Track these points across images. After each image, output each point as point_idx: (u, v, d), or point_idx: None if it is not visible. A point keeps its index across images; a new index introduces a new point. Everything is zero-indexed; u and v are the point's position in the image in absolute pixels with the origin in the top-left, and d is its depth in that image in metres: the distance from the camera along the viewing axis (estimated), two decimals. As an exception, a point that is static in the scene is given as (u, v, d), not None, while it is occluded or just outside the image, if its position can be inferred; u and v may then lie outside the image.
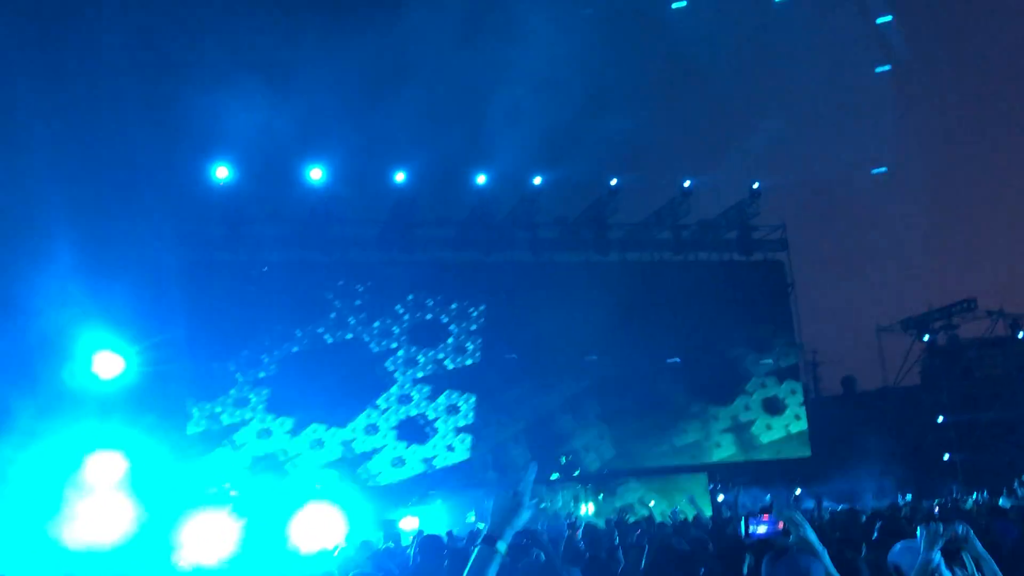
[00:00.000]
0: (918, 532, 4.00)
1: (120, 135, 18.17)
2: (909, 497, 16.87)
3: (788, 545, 3.29)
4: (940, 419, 24.32)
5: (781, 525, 3.24)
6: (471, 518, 17.68)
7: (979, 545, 3.89)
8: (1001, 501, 12.68)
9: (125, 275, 16.87)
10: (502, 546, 2.41)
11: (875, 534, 6.91)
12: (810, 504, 16.84)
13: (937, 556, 3.75)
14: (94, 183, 18.13)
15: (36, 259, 14.54)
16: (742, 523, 3.51)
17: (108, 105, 18.06)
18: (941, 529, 3.89)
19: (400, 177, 21.11)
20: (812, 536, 3.18)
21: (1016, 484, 14.18)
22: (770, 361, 23.94)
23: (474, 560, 2.40)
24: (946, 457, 23.87)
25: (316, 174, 20.43)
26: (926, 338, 24.92)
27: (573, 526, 9.02)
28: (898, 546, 3.92)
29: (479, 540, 2.43)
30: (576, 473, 18.33)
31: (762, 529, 3.40)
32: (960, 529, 3.92)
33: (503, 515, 2.47)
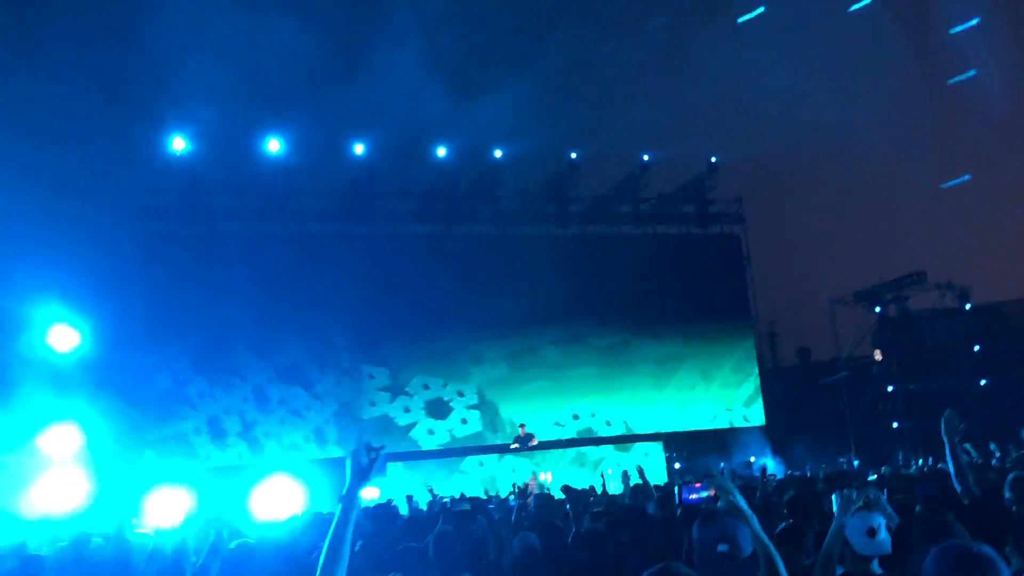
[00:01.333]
0: (832, 499, 4.24)
1: (73, 106, 17.91)
2: (856, 463, 17.38)
3: (717, 509, 3.45)
4: (890, 388, 24.94)
5: (713, 492, 3.40)
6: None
7: (889, 507, 4.14)
8: (941, 465, 13.11)
9: (80, 248, 16.74)
10: (359, 503, 2.67)
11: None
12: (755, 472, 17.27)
13: (847, 521, 4.00)
14: (47, 155, 17.87)
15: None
16: (676, 490, 3.69)
17: (59, 75, 17.78)
18: (855, 495, 4.14)
19: (359, 149, 21.06)
20: (742, 502, 3.34)
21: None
22: (726, 332, 24.36)
23: (337, 519, 2.60)
24: (895, 425, 24.52)
25: (274, 145, 20.32)
26: (878, 310, 25.47)
27: (524, 493, 9.23)
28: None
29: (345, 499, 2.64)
30: (534, 443, 18.58)
31: (695, 496, 3.57)
32: (871, 494, 4.18)
33: (357, 474, 2.73)
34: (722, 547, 3.21)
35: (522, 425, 19.07)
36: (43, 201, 16.89)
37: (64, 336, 14.67)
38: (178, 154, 19.72)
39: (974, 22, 24.86)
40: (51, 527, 9.77)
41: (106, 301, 16.34)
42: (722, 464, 20.58)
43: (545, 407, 22.09)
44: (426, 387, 21.27)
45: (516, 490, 9.67)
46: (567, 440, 20.08)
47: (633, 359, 23.41)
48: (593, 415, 22.55)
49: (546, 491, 12.54)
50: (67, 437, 13.55)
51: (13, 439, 13.25)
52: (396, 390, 20.94)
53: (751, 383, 24.32)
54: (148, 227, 20.07)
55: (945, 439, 5.17)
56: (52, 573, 6.45)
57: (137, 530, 8.35)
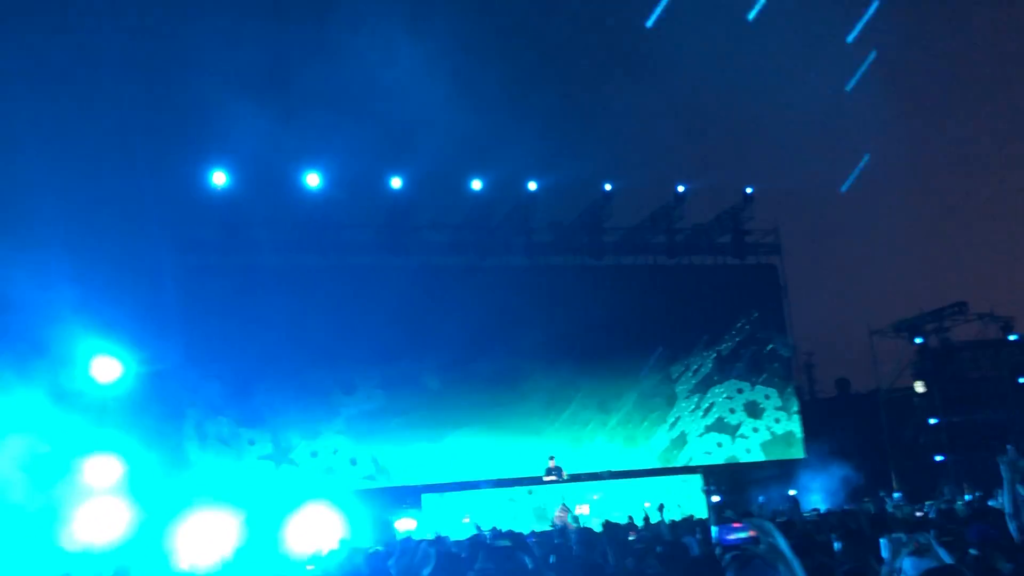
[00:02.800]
0: (881, 543, 4.14)
1: (117, 140, 18.34)
2: (897, 496, 17.00)
3: (755, 554, 3.37)
4: (932, 421, 24.44)
5: (753, 533, 3.31)
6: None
7: (942, 552, 4.03)
8: (991, 502, 12.77)
9: (122, 279, 17.04)
10: None
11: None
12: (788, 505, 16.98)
13: (899, 565, 3.91)
14: (92, 188, 18.28)
15: (34, 264, 14.66)
16: (713, 530, 3.60)
17: (105, 110, 18.22)
18: (904, 539, 4.04)
19: (396, 183, 21.30)
20: (783, 544, 3.25)
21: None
22: (765, 363, 24.12)
23: None
24: (938, 458, 23.99)
25: (313, 179, 20.62)
26: (918, 340, 25.03)
27: (564, 532, 9.14)
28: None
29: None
30: (558, 478, 18.48)
31: (733, 537, 3.47)
32: (921, 539, 4.06)
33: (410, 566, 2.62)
34: None
35: (551, 457, 18.99)
36: (86, 233, 17.25)
37: (106, 367, 14.88)
38: (219, 188, 20.07)
39: None
40: (93, 559, 9.87)
41: (147, 332, 16.57)
42: (760, 498, 20.27)
43: (582, 436, 21.99)
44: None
45: (555, 527, 9.60)
46: (599, 473, 19.88)
47: (670, 391, 23.25)
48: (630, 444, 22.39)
49: (579, 525, 12.42)
50: (108, 468, 13.71)
51: (56, 470, 13.43)
52: (429, 423, 20.95)
53: (789, 415, 23.99)
54: (188, 260, 20.40)
55: (1005, 477, 5.00)
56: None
57: (177, 566, 8.43)
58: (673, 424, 23.22)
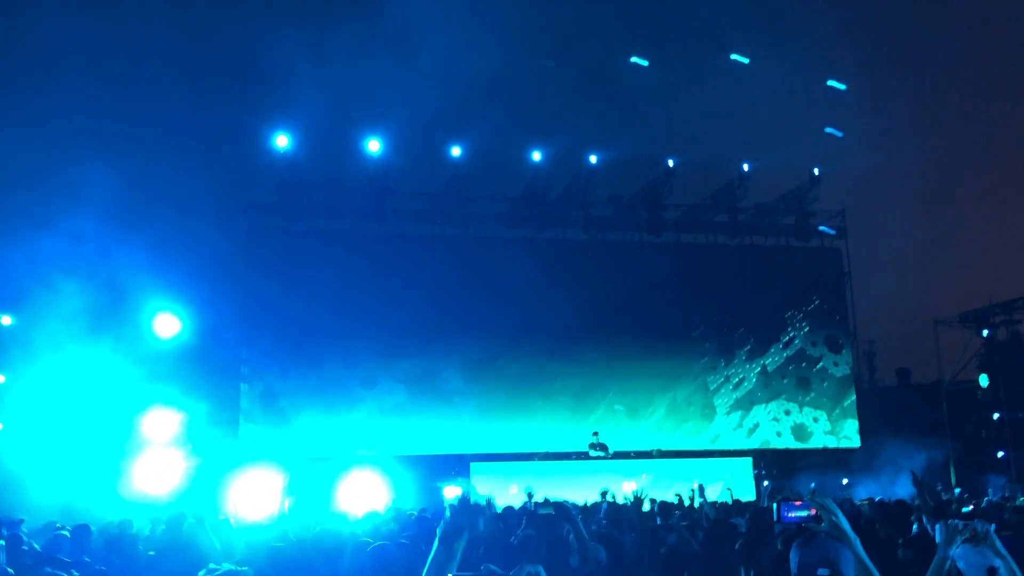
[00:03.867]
0: (936, 529, 3.99)
1: (183, 101, 18.63)
2: (957, 491, 16.56)
3: (818, 531, 3.30)
4: (996, 416, 23.75)
5: (814, 511, 3.24)
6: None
7: (999, 544, 3.87)
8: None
9: (184, 239, 17.37)
10: (458, 548, 2.50)
11: (915, 527, 6.85)
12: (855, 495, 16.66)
13: (952, 552, 3.75)
14: (159, 149, 18.64)
15: (99, 224, 15.01)
16: (775, 508, 3.53)
17: (172, 71, 18.49)
18: (960, 526, 3.88)
19: (456, 152, 21.29)
20: (845, 523, 3.18)
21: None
22: (823, 349, 23.66)
23: (432, 558, 2.50)
24: (1000, 454, 23.33)
25: (374, 146, 20.72)
26: (985, 332, 24.27)
27: (597, 507, 9.10)
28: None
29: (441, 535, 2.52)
30: (599, 454, 18.42)
31: (794, 514, 3.42)
32: (979, 527, 3.89)
33: (460, 523, 2.56)
34: (823, 571, 3.06)
35: (595, 432, 18.94)
36: (152, 194, 17.61)
37: (166, 323, 15.23)
38: (281, 151, 20.30)
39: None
40: (149, 508, 10.14)
41: (205, 291, 16.90)
42: (812, 484, 19.94)
43: (636, 418, 21.89)
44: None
45: (604, 499, 9.54)
46: (647, 452, 19.79)
47: (725, 374, 22.98)
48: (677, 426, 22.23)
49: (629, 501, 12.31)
50: (166, 421, 14.06)
51: (117, 421, 13.82)
52: (466, 392, 21.04)
53: (847, 402, 23.53)
54: (250, 222, 20.75)
55: None
56: (146, 550, 6.68)
57: (228, 519, 8.59)
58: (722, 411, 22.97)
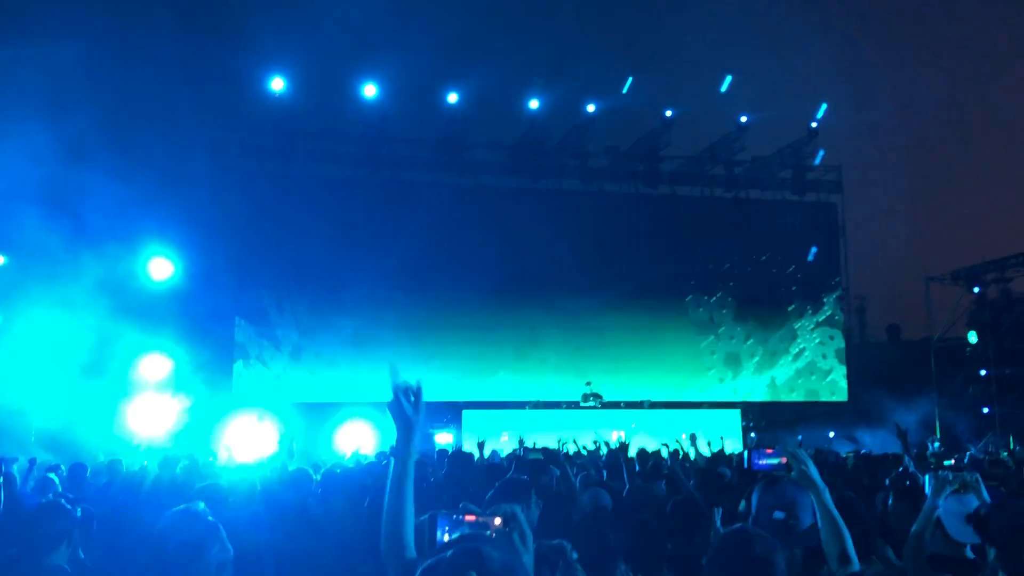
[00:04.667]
0: (926, 480, 4.08)
1: (179, 45, 18.36)
2: (936, 445, 16.79)
3: (780, 476, 3.36)
4: (983, 372, 23.96)
5: (784, 460, 3.30)
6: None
7: (985, 492, 3.95)
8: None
9: (178, 180, 17.27)
10: (408, 456, 2.50)
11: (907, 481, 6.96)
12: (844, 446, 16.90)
13: (943, 504, 3.84)
14: (154, 94, 18.41)
15: (92, 164, 14.89)
16: (746, 455, 3.60)
17: (168, 14, 18.20)
18: (950, 476, 3.97)
19: (453, 98, 21.06)
20: (814, 472, 3.23)
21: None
22: (814, 303, 23.79)
23: (391, 474, 2.49)
24: (985, 410, 23.59)
25: (370, 90, 20.49)
26: (976, 290, 24.35)
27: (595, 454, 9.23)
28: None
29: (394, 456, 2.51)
30: (594, 404, 18.57)
31: (765, 462, 3.48)
32: (968, 477, 3.98)
33: (400, 426, 2.55)
34: (778, 514, 3.15)
35: (588, 383, 19.08)
36: (145, 137, 17.45)
37: (160, 266, 15.21)
38: (276, 94, 20.08)
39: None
40: (141, 449, 10.24)
41: (199, 234, 16.85)
42: (799, 436, 20.19)
43: (626, 368, 22.00)
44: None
45: (597, 445, 9.66)
46: (641, 402, 19.97)
47: (716, 327, 23.12)
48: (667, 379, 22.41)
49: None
50: (158, 364, 14.14)
51: (111, 363, 13.89)
52: (458, 340, 21.09)
53: (836, 357, 23.73)
54: (244, 165, 20.63)
55: None
56: (143, 490, 6.77)
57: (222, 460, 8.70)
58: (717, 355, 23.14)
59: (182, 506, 2.89)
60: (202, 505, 2.93)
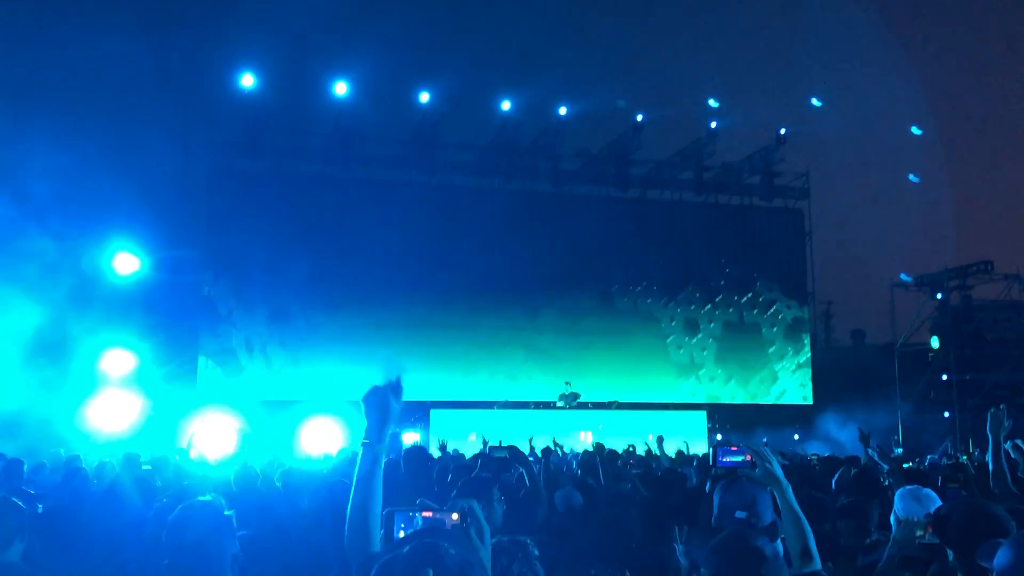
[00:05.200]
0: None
1: (149, 41, 18.15)
2: (898, 451, 17.03)
3: (741, 476, 3.38)
4: (944, 377, 24.35)
5: (749, 457, 3.32)
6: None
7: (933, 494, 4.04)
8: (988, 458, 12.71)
9: (147, 176, 17.07)
10: (381, 446, 2.48)
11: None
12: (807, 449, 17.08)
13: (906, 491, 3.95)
14: (122, 89, 18.19)
15: (60, 158, 14.69)
16: (711, 453, 3.61)
17: (137, 9, 18.00)
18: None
19: (425, 97, 21.01)
20: (778, 470, 3.24)
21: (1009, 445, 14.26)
22: (780, 308, 24.04)
23: (359, 464, 2.47)
24: (946, 414, 23.98)
25: (341, 88, 20.37)
26: (939, 296, 24.77)
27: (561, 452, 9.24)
28: (899, 492, 4.06)
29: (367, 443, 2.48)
30: (566, 404, 18.63)
31: (729, 459, 3.49)
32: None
33: (376, 415, 2.52)
34: (740, 514, 3.16)
35: (567, 382, 19.12)
36: (113, 132, 17.23)
37: (125, 261, 15.01)
38: (246, 91, 19.90)
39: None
40: (103, 445, 10.11)
41: (167, 230, 16.67)
42: (764, 438, 20.39)
43: (594, 370, 22.07)
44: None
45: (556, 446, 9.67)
46: (609, 403, 20.05)
47: (683, 329, 23.28)
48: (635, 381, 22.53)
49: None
50: (122, 359, 13.95)
51: (76, 360, 13.68)
52: (427, 340, 21.03)
53: (802, 361, 24.00)
54: (213, 162, 20.42)
55: (990, 435, 5.08)
56: (98, 489, 6.68)
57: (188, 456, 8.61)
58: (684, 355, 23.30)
59: (204, 498, 2.90)
60: (212, 497, 2.93)
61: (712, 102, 22.38)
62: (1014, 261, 24.46)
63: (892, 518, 4.01)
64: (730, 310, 23.63)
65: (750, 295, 23.84)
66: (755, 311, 23.87)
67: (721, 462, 3.40)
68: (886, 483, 6.01)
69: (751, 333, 23.73)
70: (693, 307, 23.42)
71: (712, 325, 23.51)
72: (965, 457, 15.17)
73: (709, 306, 23.48)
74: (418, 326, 20.95)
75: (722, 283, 23.60)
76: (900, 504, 3.97)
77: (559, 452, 9.77)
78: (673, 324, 23.25)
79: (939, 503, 3.86)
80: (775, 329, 23.95)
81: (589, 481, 6.99)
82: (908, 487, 4.11)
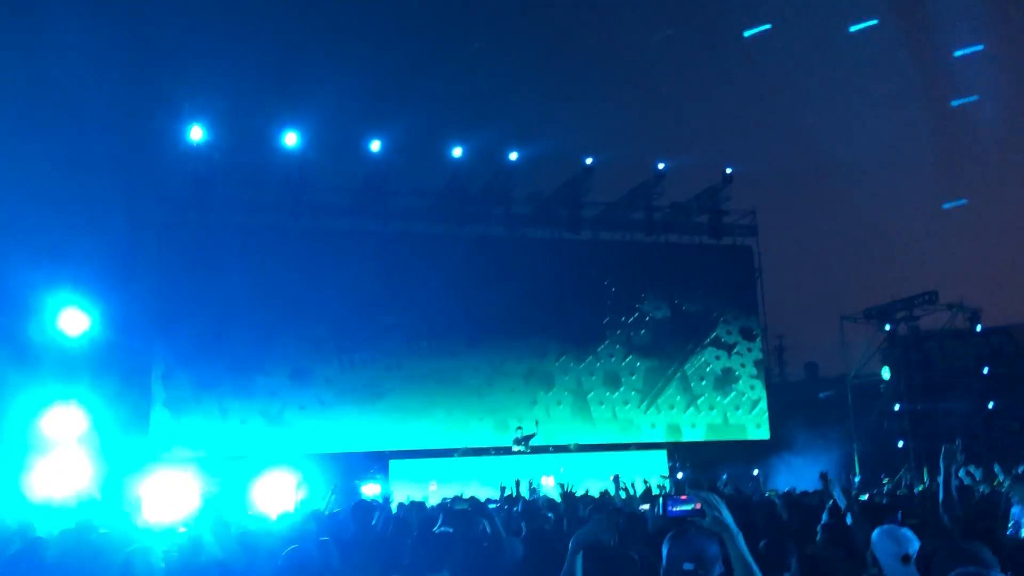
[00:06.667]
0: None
1: (95, 92, 18.01)
2: (856, 480, 17.24)
3: (689, 527, 3.36)
4: (897, 407, 24.77)
5: (698, 506, 3.30)
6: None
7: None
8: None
9: (94, 231, 16.83)
10: None
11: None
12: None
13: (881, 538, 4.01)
14: (66, 141, 17.99)
15: (4, 216, 14.44)
16: (660, 502, 3.58)
17: (78, 61, 17.88)
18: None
19: (375, 146, 21.12)
20: (728, 518, 3.22)
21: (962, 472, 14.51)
22: (734, 344, 24.32)
23: None
24: (900, 444, 24.35)
25: (291, 139, 20.39)
26: (887, 327, 25.29)
27: (511, 500, 9.19)
28: (876, 532, 4.10)
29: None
30: (521, 448, 18.57)
31: (679, 508, 3.46)
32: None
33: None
34: (687, 566, 3.15)
35: (519, 427, 19.09)
36: (59, 185, 16.99)
37: (74, 320, 14.69)
38: (195, 144, 19.81)
39: (978, 48, 24.75)
40: (54, 512, 9.81)
41: (117, 286, 16.40)
42: (724, 475, 20.47)
43: (551, 411, 22.10)
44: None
45: (507, 494, 9.64)
46: (562, 446, 20.05)
47: (639, 368, 23.41)
48: (593, 421, 22.58)
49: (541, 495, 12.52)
50: (71, 420, 13.59)
51: (20, 421, 13.31)
52: (383, 389, 20.90)
53: (757, 396, 24.25)
54: (162, 215, 20.21)
55: (942, 467, 5.23)
56: (56, 557, 6.48)
57: (139, 522, 8.39)
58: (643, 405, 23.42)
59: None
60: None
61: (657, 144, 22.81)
62: (957, 290, 25.14)
63: (868, 557, 4.07)
64: (684, 349, 23.85)
65: (704, 334, 24.09)
66: (708, 347, 24.10)
67: (671, 512, 3.36)
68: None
69: (706, 370, 23.95)
70: (644, 347, 23.56)
71: (672, 364, 23.68)
72: (921, 487, 15.40)
73: (662, 346, 23.66)
74: (374, 374, 20.84)
75: (679, 323, 23.85)
76: (878, 544, 4.03)
77: (536, 494, 9.74)
78: (631, 365, 23.34)
79: (916, 542, 3.93)
80: (729, 364, 24.19)
81: (544, 528, 6.96)
82: (885, 527, 4.17)
